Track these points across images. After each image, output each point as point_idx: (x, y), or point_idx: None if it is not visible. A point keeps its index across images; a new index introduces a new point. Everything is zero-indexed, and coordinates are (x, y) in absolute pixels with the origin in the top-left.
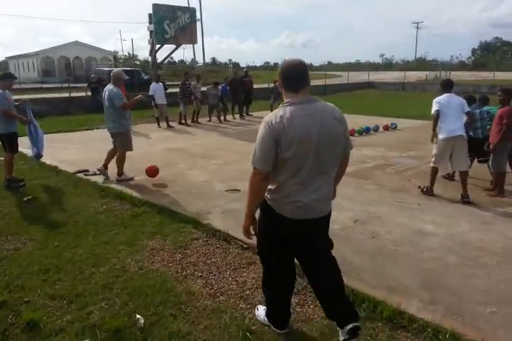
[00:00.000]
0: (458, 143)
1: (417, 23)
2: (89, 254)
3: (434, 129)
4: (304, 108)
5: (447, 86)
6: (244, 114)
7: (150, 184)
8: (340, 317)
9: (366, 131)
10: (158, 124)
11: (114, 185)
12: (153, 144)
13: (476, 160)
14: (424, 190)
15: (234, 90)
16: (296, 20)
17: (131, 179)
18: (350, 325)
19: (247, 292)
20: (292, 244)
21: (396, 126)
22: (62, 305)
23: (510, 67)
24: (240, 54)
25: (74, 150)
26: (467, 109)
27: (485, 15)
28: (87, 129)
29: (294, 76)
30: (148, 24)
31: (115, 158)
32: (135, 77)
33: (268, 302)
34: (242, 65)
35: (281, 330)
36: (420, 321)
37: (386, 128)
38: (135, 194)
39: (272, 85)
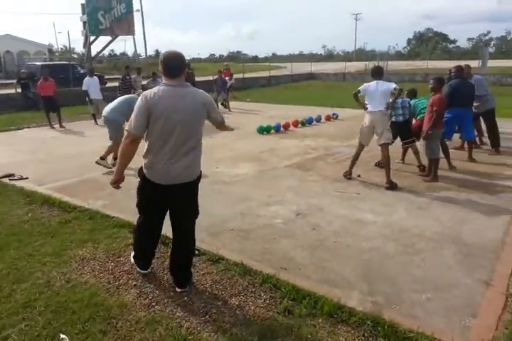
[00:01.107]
0: (379, 116)
1: (356, 14)
2: (11, 269)
3: (358, 102)
4: (175, 90)
5: (374, 74)
6: None
7: (83, 186)
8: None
9: (309, 122)
10: (95, 121)
11: (41, 190)
12: (88, 143)
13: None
14: (345, 173)
15: None
16: (241, 10)
17: (109, 168)
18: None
19: (185, 298)
20: (168, 204)
21: (337, 116)
22: None
23: (442, 56)
24: (185, 46)
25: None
26: (393, 86)
27: (418, 7)
28: (16, 129)
29: (173, 66)
30: (81, 15)
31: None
32: (69, 71)
33: (135, 247)
34: (187, 57)
35: (144, 270)
36: (360, 314)
37: (328, 118)
38: (65, 198)
39: (215, 77)
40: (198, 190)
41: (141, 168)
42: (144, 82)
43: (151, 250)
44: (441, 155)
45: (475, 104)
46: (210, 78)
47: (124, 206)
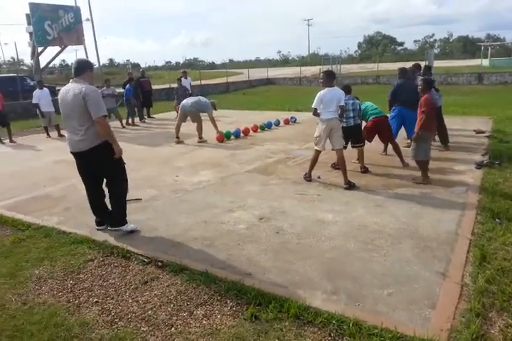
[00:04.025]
0: (334, 123)
1: (308, 20)
2: None
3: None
4: (69, 86)
5: (328, 79)
6: (146, 117)
7: (36, 203)
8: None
9: (268, 126)
10: (48, 134)
11: None
12: (40, 157)
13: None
14: (305, 175)
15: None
16: (193, 19)
17: (205, 141)
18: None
19: (150, 312)
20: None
21: (296, 120)
22: None
23: (391, 58)
24: (140, 54)
25: None
26: (342, 103)
27: (366, 12)
28: None
29: (73, 69)
30: (26, 25)
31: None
32: (17, 84)
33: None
34: (143, 65)
35: (97, 226)
36: (325, 314)
37: (286, 122)
38: (18, 216)
39: (176, 85)
40: (101, 158)
41: None
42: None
43: (98, 210)
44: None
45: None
46: (167, 86)
47: (80, 221)
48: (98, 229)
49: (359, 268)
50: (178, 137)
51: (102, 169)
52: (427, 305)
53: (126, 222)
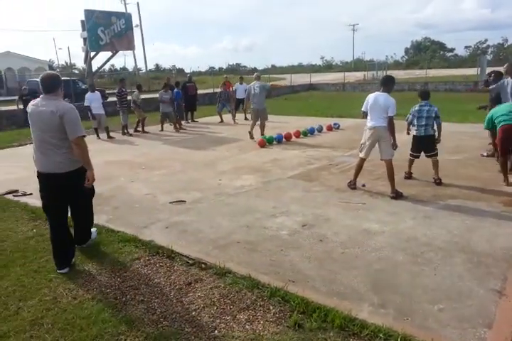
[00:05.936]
0: (380, 132)
1: (353, 25)
2: (17, 286)
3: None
4: (41, 102)
5: (381, 84)
6: (189, 121)
7: None
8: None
9: (311, 132)
10: (98, 136)
11: None
12: (91, 157)
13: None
14: (349, 183)
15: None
16: (237, 24)
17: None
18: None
19: (193, 313)
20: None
21: (339, 126)
22: None
23: (440, 64)
24: (185, 59)
25: (2, 170)
26: (391, 113)
27: (413, 16)
28: (18, 145)
29: (42, 84)
30: (81, 31)
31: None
32: (70, 87)
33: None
34: (187, 70)
35: (60, 270)
36: (372, 326)
37: (329, 128)
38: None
39: (219, 90)
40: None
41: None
42: (145, 96)
43: (65, 245)
44: None
45: None
46: (211, 90)
47: (128, 220)
48: (61, 273)
49: (408, 281)
50: (250, 132)
51: (75, 196)
52: (481, 323)
53: (91, 232)
